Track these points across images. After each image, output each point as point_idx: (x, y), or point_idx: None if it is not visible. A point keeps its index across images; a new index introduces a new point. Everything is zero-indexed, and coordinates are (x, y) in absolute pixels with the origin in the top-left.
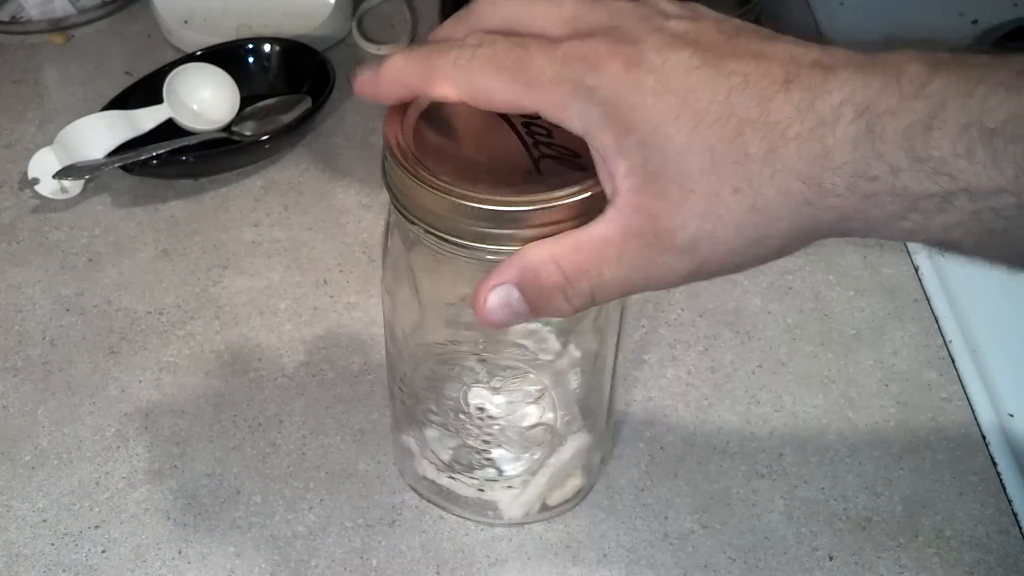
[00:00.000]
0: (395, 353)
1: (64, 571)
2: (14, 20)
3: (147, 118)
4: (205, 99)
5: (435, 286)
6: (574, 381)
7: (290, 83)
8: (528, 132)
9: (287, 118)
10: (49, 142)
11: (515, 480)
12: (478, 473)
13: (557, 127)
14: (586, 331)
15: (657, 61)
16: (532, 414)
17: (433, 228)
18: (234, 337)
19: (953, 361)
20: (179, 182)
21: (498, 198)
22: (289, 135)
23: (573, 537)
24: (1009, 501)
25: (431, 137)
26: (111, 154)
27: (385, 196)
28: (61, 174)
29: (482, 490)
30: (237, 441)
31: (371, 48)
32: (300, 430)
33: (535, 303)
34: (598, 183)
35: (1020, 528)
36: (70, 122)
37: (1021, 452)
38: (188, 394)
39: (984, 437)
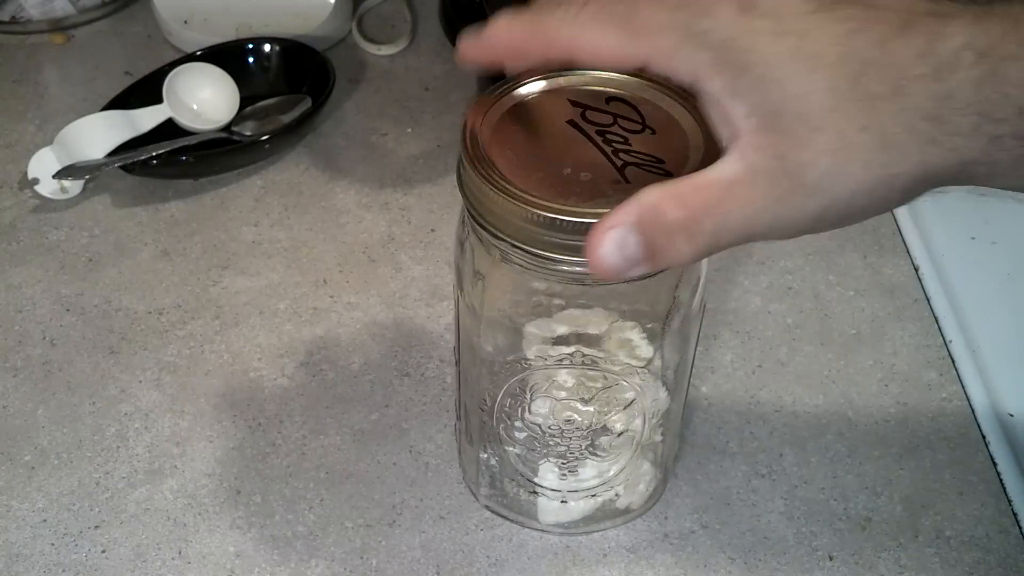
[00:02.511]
0: (475, 371)
1: (64, 571)
2: (14, 20)
3: (147, 118)
4: (205, 99)
5: (521, 302)
6: (661, 389)
7: (290, 83)
8: (604, 140)
9: (287, 118)
10: (49, 142)
11: (598, 489)
12: (562, 484)
13: (633, 134)
14: (674, 336)
15: (769, 4)
16: (620, 421)
17: (526, 244)
18: (234, 337)
19: (953, 361)
20: (179, 182)
21: (602, 211)
22: (289, 135)
23: (573, 537)
24: (1009, 501)
25: (508, 154)
26: (111, 154)
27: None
28: (61, 174)
29: (565, 502)
30: (237, 441)
31: (371, 48)
32: (300, 430)
33: (654, 246)
34: None
35: (1020, 528)
36: (70, 122)
37: (1021, 452)
38: (188, 394)
39: (984, 437)
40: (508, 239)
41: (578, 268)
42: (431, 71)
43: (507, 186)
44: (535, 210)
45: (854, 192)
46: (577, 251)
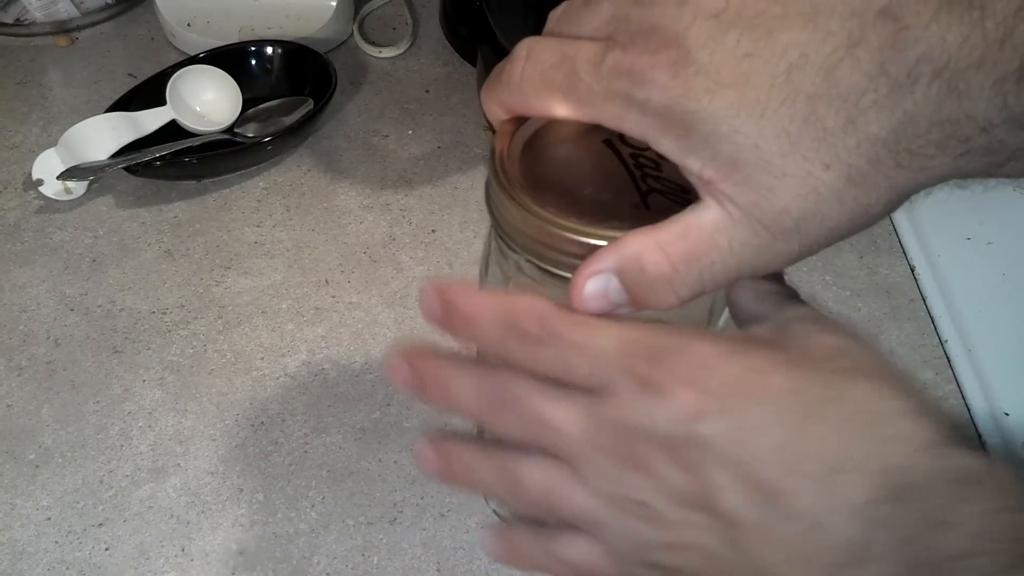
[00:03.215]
0: None
1: (68, 568)
2: (18, 22)
3: (150, 120)
4: (208, 101)
5: None
6: None
7: (292, 85)
8: (636, 164)
9: (289, 120)
10: (53, 143)
11: None
12: None
13: (665, 160)
14: None
15: (703, 57)
16: None
17: (535, 257)
18: (236, 336)
19: (949, 360)
20: (182, 183)
21: (607, 232)
22: (291, 137)
23: None
24: None
25: (536, 166)
26: (115, 155)
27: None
28: (65, 175)
29: None
30: (239, 439)
31: (372, 51)
32: (302, 428)
33: (637, 294)
34: None
35: None
36: (74, 124)
37: (1016, 450)
38: (191, 393)
39: (980, 435)
40: (519, 250)
41: None
42: (432, 73)
43: (523, 198)
44: (543, 224)
45: (832, 229)
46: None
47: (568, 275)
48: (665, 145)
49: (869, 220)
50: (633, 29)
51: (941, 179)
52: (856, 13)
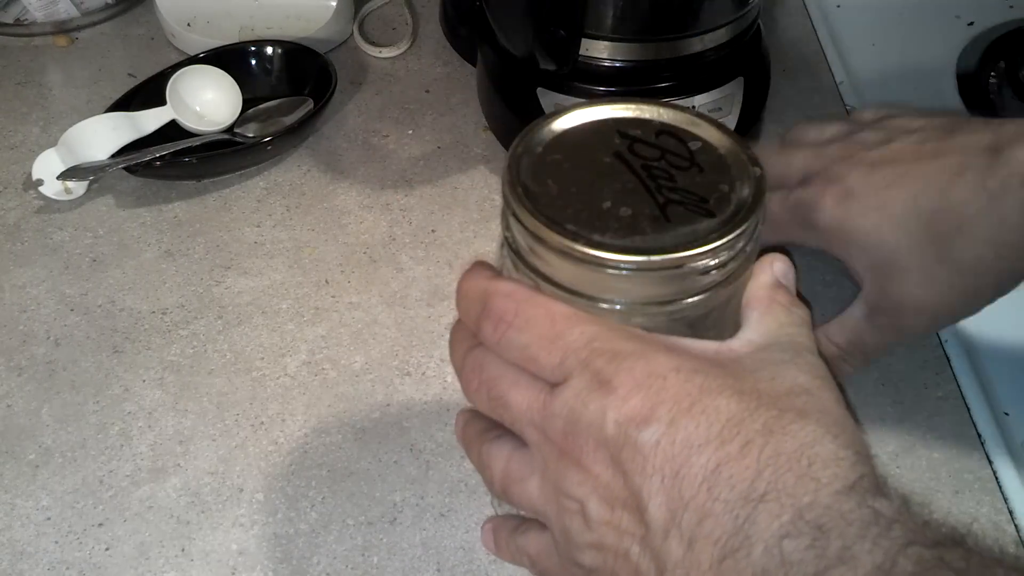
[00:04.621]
0: None
1: (68, 569)
2: (18, 22)
3: (150, 120)
4: (208, 101)
5: None
6: None
7: (292, 85)
8: (649, 176)
9: (289, 120)
10: (53, 143)
11: None
12: None
13: (680, 170)
14: None
15: (858, 187)
16: None
17: (557, 281)
18: (236, 336)
19: (949, 361)
20: (182, 183)
21: (635, 247)
22: (291, 137)
23: None
24: (1005, 499)
25: (549, 183)
26: (115, 155)
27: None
28: (65, 175)
29: None
30: (240, 439)
31: (372, 51)
32: (302, 428)
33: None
34: (734, 232)
35: (1016, 526)
36: (74, 124)
37: (1016, 450)
38: (191, 393)
39: (980, 436)
40: (538, 276)
41: (603, 304)
42: (432, 73)
43: (543, 217)
44: (568, 242)
45: (949, 309)
46: (607, 284)
47: (590, 295)
48: (838, 252)
49: (981, 301)
50: (814, 169)
51: None
52: (966, 150)
